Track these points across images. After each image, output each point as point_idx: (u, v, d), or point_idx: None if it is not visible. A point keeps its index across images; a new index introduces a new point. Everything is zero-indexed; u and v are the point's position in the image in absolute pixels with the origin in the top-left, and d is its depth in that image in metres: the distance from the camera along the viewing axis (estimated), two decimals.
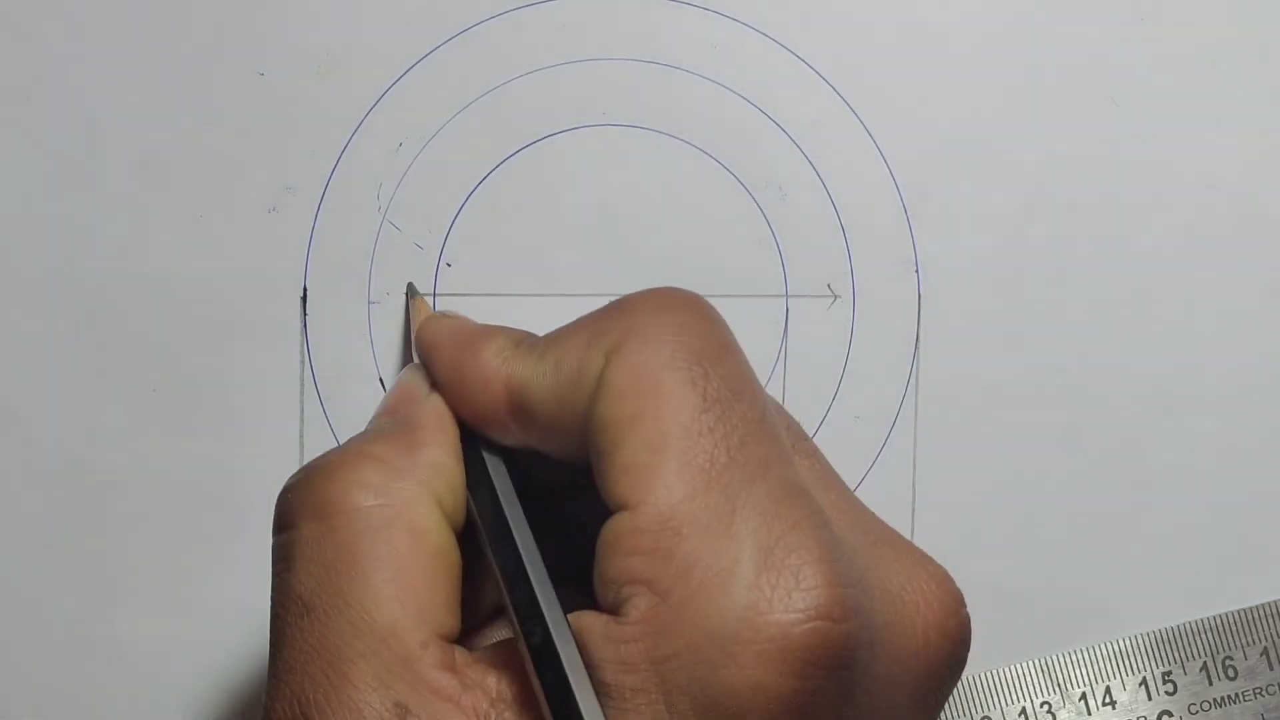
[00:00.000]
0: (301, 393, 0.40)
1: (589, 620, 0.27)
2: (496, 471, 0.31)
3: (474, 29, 0.40)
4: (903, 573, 0.29)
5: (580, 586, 0.28)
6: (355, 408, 0.40)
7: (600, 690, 0.26)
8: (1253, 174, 0.40)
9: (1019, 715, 0.40)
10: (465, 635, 0.30)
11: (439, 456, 0.30)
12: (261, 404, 0.40)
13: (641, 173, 0.40)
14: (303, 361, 0.40)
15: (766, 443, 0.28)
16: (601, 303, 0.40)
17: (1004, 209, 0.40)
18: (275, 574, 0.29)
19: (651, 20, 0.40)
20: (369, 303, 0.40)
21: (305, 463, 0.31)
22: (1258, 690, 0.40)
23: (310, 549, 0.29)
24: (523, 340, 0.31)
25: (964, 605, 0.29)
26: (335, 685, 0.27)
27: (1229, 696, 0.40)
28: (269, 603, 0.29)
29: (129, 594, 0.40)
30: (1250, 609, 0.40)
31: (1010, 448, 0.41)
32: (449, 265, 0.40)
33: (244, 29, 0.40)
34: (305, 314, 0.40)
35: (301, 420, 0.40)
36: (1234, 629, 0.40)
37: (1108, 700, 0.40)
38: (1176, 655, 0.40)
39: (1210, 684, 0.40)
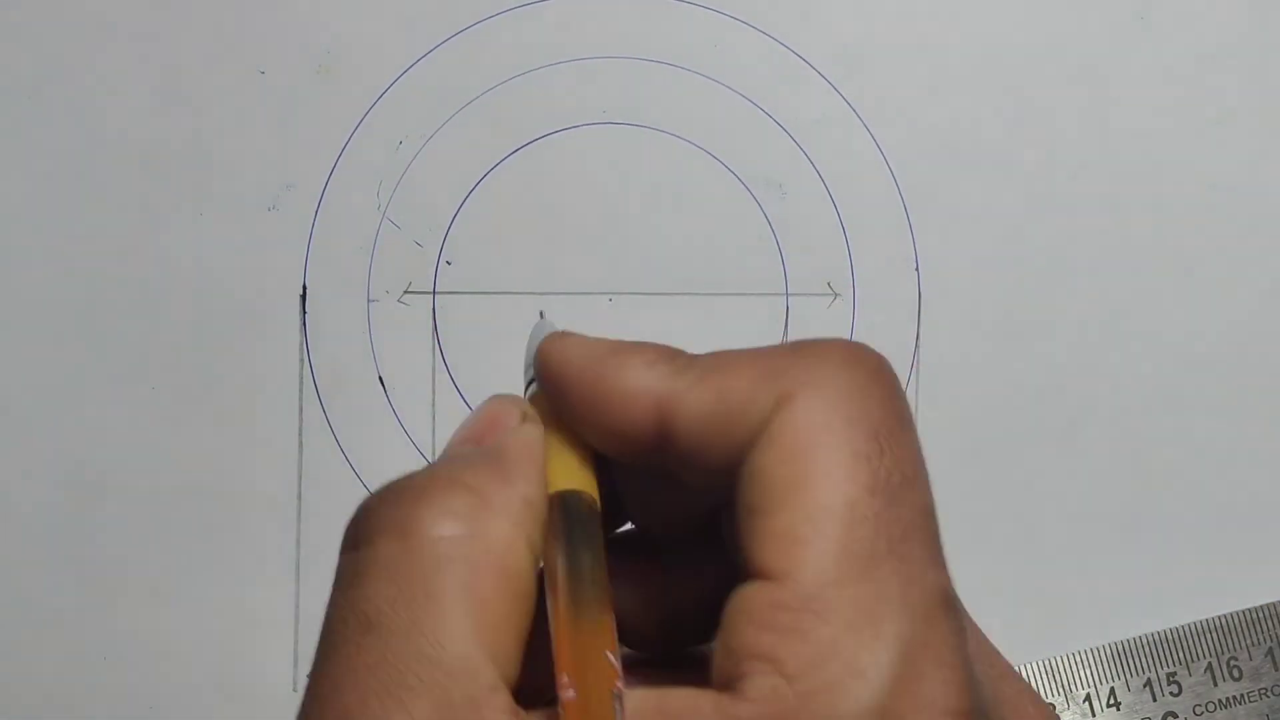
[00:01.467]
0: (300, 390, 0.40)
1: (688, 697, 0.25)
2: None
3: (474, 28, 0.40)
4: (1020, 711, 0.28)
5: (658, 657, 0.27)
6: (354, 405, 0.40)
7: None
8: (1253, 174, 0.40)
9: None
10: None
11: (530, 491, 0.28)
12: (261, 402, 0.40)
13: (641, 171, 0.40)
14: (302, 359, 0.40)
15: (928, 542, 0.26)
16: (601, 302, 0.41)
17: (1004, 209, 0.40)
18: (339, 588, 0.27)
19: (651, 19, 0.40)
20: (368, 301, 0.40)
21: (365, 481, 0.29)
22: (1263, 691, 0.40)
23: (385, 568, 0.27)
24: (675, 356, 0.29)
25: None
26: (388, 712, 0.25)
27: (1234, 697, 0.40)
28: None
29: (129, 594, 0.40)
30: (1255, 609, 0.40)
31: (1010, 448, 0.40)
32: (449, 263, 0.40)
33: (244, 28, 0.40)
34: (305, 312, 0.40)
35: (300, 417, 0.40)
36: (1238, 630, 0.40)
37: (1112, 701, 0.40)
38: (1181, 656, 0.40)
39: (1215, 685, 0.40)
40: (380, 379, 0.40)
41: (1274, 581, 0.40)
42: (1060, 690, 0.40)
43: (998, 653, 0.29)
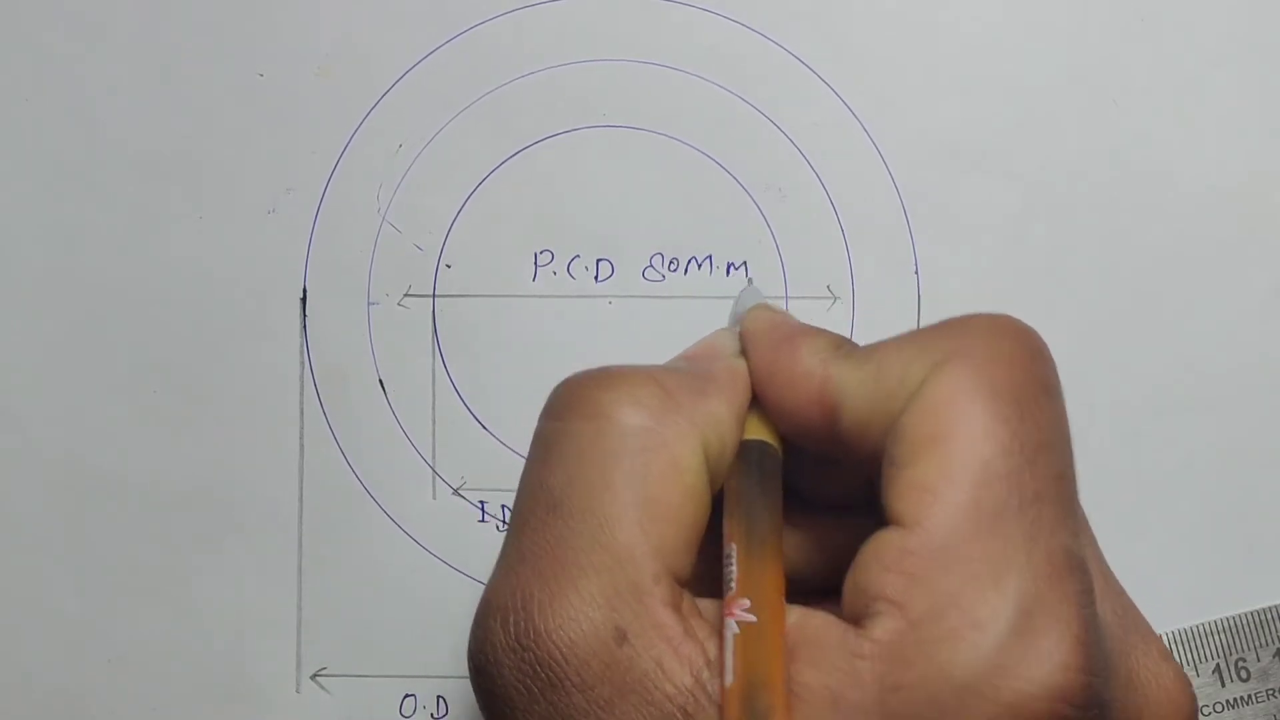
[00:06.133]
0: (301, 393, 0.40)
1: (824, 621, 0.26)
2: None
3: (474, 29, 0.40)
4: (1150, 667, 0.28)
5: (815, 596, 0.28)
6: (354, 408, 0.40)
7: (812, 694, 0.25)
8: (1253, 174, 0.40)
9: None
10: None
11: (720, 410, 0.30)
12: (261, 404, 0.40)
13: (641, 174, 0.40)
14: (302, 362, 0.40)
15: (1060, 504, 0.27)
16: (601, 305, 0.41)
17: (1004, 209, 0.40)
18: (531, 459, 0.29)
19: (651, 21, 0.40)
20: (369, 304, 0.40)
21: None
22: (1270, 691, 0.39)
23: (571, 445, 0.28)
24: (842, 344, 0.31)
25: (1198, 711, 0.29)
26: (562, 589, 0.27)
27: (1242, 698, 0.39)
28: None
29: (128, 595, 0.40)
30: (1263, 610, 0.40)
31: None
32: (449, 266, 0.40)
33: (244, 29, 0.40)
34: (305, 315, 0.40)
35: (301, 420, 0.40)
36: (1247, 630, 0.40)
37: None
38: (1189, 657, 0.40)
39: (1223, 685, 0.39)
40: (380, 382, 0.40)
41: None
42: None
43: (1133, 606, 0.30)
